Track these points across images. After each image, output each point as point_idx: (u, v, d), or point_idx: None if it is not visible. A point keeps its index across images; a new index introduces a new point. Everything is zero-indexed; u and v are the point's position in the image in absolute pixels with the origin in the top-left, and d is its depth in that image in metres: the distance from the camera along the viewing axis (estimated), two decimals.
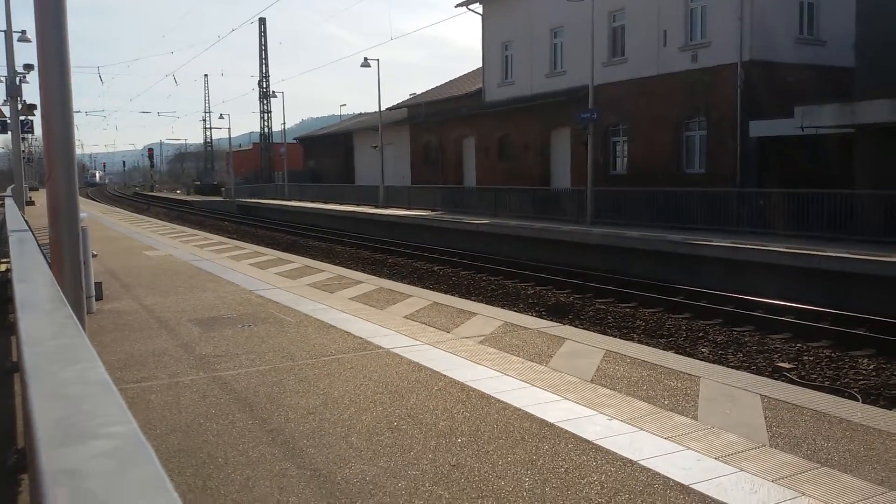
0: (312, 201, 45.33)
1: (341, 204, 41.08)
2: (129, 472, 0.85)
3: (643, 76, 27.05)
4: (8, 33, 21.80)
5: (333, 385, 5.93)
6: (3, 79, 25.27)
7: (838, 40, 23.07)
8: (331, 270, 13.37)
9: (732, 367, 8.83)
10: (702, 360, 8.81)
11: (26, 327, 1.88)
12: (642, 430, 4.75)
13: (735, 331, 11.72)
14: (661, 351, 7.81)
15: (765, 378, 6.91)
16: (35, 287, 2.74)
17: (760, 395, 5.47)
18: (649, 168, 26.78)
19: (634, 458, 4.26)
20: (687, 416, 5.02)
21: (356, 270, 15.62)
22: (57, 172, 5.56)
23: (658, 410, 5.14)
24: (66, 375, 1.30)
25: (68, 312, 2.06)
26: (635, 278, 16.54)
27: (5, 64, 23.06)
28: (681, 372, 6.16)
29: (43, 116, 5.48)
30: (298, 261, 14.99)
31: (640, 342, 10.47)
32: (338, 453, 4.45)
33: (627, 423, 4.86)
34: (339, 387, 5.88)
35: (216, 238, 21.53)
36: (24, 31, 24.96)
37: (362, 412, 5.24)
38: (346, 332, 7.92)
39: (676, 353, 9.52)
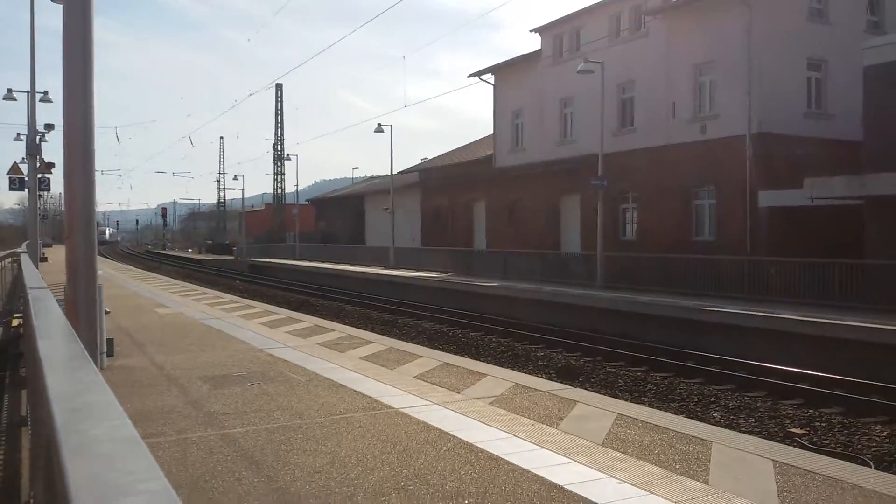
0: (323, 261, 45.56)
1: (352, 265, 41.26)
2: None
3: (652, 146, 27.36)
4: (31, 94, 22.36)
5: (341, 444, 5.89)
6: (22, 137, 25.79)
7: (846, 114, 23.34)
8: (341, 330, 13.39)
9: (744, 433, 8.72)
10: (713, 424, 8.71)
11: (53, 384, 1.90)
12: (653, 493, 4.69)
13: (747, 396, 11.61)
14: (673, 415, 7.74)
15: (777, 443, 6.83)
16: (58, 344, 2.78)
17: (773, 460, 5.40)
18: (659, 235, 26.87)
19: None
20: (698, 480, 4.96)
21: (366, 330, 15.62)
22: (77, 232, 5.66)
23: (669, 475, 5.08)
24: (96, 433, 1.32)
25: (93, 369, 2.08)
26: (646, 342, 16.44)
27: (25, 123, 23.59)
28: (692, 436, 6.10)
29: (66, 177, 5.62)
30: (309, 320, 15.02)
31: (651, 406, 10.36)
32: None
33: (638, 487, 4.81)
34: (347, 446, 5.84)
35: (227, 297, 21.63)
36: (45, 92, 25.60)
37: (369, 472, 5.20)
38: (355, 391, 7.90)
39: (688, 417, 9.41)
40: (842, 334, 14.30)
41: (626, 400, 10.42)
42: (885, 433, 9.48)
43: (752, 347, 15.38)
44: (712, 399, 11.54)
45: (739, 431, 8.84)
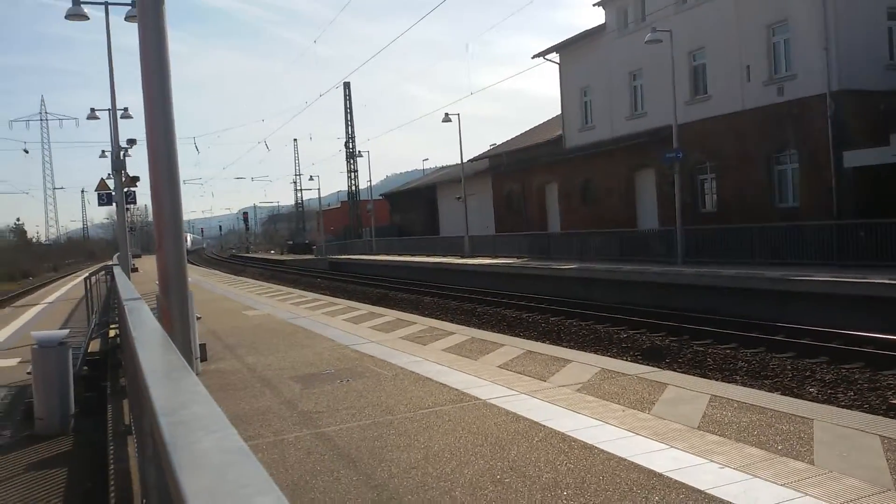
0: (399, 255, 46.02)
1: (427, 256, 41.52)
2: None
3: (728, 112, 26.55)
4: (112, 112, 23.26)
5: (433, 438, 5.95)
6: (107, 154, 26.89)
7: None
8: (422, 322, 13.50)
9: (844, 407, 8.41)
10: (811, 400, 8.44)
11: (157, 397, 1.94)
12: (756, 477, 4.57)
13: (844, 368, 11.17)
14: (769, 393, 7.52)
15: (882, 417, 6.56)
16: (157, 354, 2.87)
17: (879, 435, 5.19)
18: (740, 204, 26.09)
19: None
20: (803, 460, 4.81)
21: (446, 321, 15.70)
22: (166, 242, 5.86)
23: (771, 456, 4.94)
24: (205, 445, 1.33)
25: (195, 380, 2.12)
26: (733, 318, 16.01)
27: (108, 140, 24.58)
28: (791, 414, 5.92)
29: (152, 190, 5.81)
30: (390, 314, 15.20)
31: (743, 384, 10.10)
32: None
33: (740, 471, 4.69)
34: (439, 440, 5.89)
35: (310, 295, 22.08)
36: (126, 108, 26.60)
37: (464, 465, 5.23)
38: (441, 383, 7.96)
39: (783, 394, 9.13)
40: None
41: (717, 380, 10.18)
42: None
43: (845, 316, 14.79)
44: (807, 374, 11.16)
45: (839, 406, 8.54)
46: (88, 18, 19.46)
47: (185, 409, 1.76)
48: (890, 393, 9.70)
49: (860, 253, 18.15)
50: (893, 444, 4.98)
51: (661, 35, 23.24)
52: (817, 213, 22.36)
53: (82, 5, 19.11)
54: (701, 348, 13.59)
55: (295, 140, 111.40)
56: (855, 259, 18.08)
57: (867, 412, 7.93)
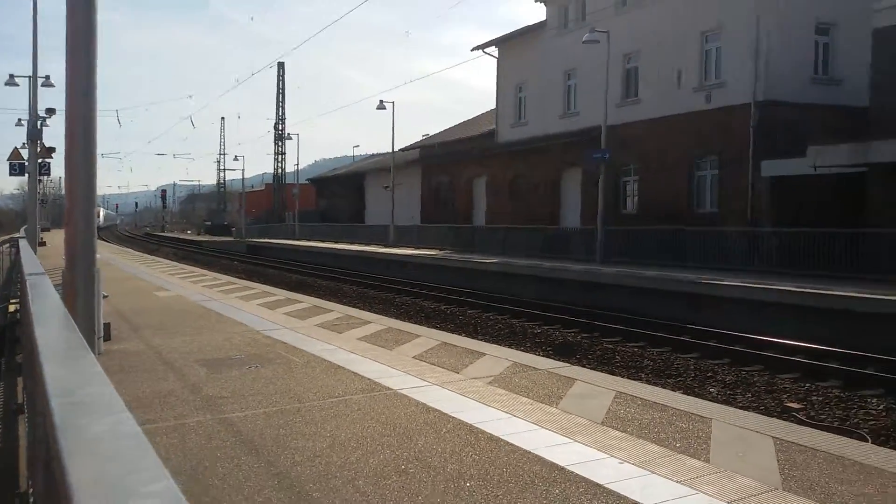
0: (322, 241, 45.53)
1: (351, 243, 41.23)
2: None
3: (656, 116, 27.18)
4: (33, 79, 22.22)
5: (340, 427, 5.87)
6: (24, 123, 25.67)
7: (853, 80, 23.13)
8: (339, 310, 13.36)
9: (741, 408, 8.71)
10: (711, 400, 8.70)
11: (51, 376, 1.85)
12: (654, 473, 4.67)
13: (744, 371, 11.60)
14: (672, 392, 7.73)
15: (776, 419, 6.81)
16: (56, 332, 2.73)
17: (773, 437, 5.38)
18: (660, 207, 26.78)
19: (647, 503, 4.18)
20: (699, 458, 4.93)
21: (364, 310, 15.59)
22: (76, 216, 5.61)
23: (670, 453, 5.06)
24: (98, 429, 1.28)
25: (93, 360, 2.03)
26: (645, 318, 16.42)
27: (26, 108, 23.44)
28: (692, 413, 6.08)
29: (66, 160, 5.55)
30: (307, 300, 14.99)
31: (648, 382, 10.35)
32: (345, 497, 4.38)
33: (639, 467, 4.78)
34: (347, 429, 5.82)
35: (225, 278, 21.59)
36: (47, 77, 25.40)
37: (370, 455, 5.17)
38: (354, 372, 7.87)
39: (685, 393, 9.40)
40: (843, 305, 14.27)
41: (624, 377, 10.41)
42: (881, 407, 9.48)
43: (751, 320, 15.37)
44: (709, 374, 11.53)
45: (737, 407, 8.83)
46: None
47: (81, 389, 1.68)
48: (785, 396, 10.11)
49: (772, 260, 18.88)
50: (785, 446, 5.16)
51: (599, 35, 23.56)
52: (734, 220, 23.15)
53: None
54: (610, 346, 13.89)
55: (223, 118, 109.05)
56: (767, 265, 18.79)
57: (763, 413, 8.23)
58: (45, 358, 2.16)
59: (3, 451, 5.72)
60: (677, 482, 4.51)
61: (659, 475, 4.64)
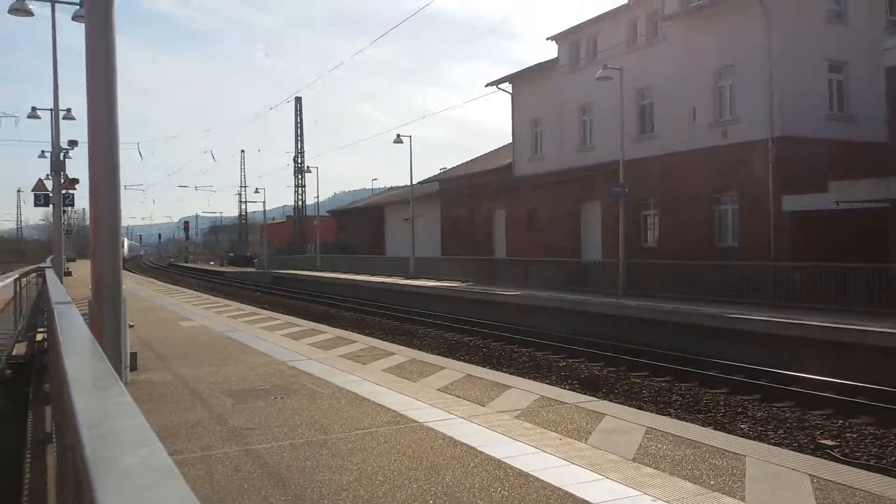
0: (344, 272, 45.65)
1: (372, 275, 41.28)
2: None
3: (673, 151, 27.19)
4: (55, 112, 22.60)
5: (367, 460, 5.82)
6: (46, 154, 26.08)
7: (869, 116, 23.10)
8: (363, 341, 13.34)
9: (773, 444, 8.55)
10: (742, 436, 8.55)
11: (81, 407, 1.84)
12: None
13: (775, 406, 11.40)
14: (703, 428, 7.60)
15: (811, 457, 6.68)
16: (85, 362, 2.73)
17: (809, 474, 5.26)
18: (681, 242, 26.64)
19: None
20: (735, 496, 4.83)
21: (388, 342, 15.55)
22: (102, 247, 5.67)
23: (705, 491, 4.96)
24: (130, 462, 1.26)
25: (122, 390, 2.02)
26: (670, 351, 16.24)
27: (49, 140, 23.83)
28: (724, 450, 5.97)
29: (91, 192, 5.62)
30: (331, 332, 14.99)
31: (677, 417, 10.20)
32: None
33: None
34: (373, 462, 5.77)
35: (249, 308, 21.67)
36: (69, 109, 25.85)
37: (397, 489, 5.12)
38: (379, 404, 7.83)
39: (716, 429, 9.25)
40: (868, 341, 14.04)
41: (652, 411, 10.27)
42: None
43: (778, 355, 15.15)
44: (739, 410, 11.35)
45: (769, 443, 8.68)
46: (33, 15, 18.90)
47: (111, 420, 1.67)
48: (818, 433, 9.91)
49: (795, 295, 18.66)
50: (823, 484, 5.04)
51: (612, 72, 23.72)
52: (756, 254, 22.96)
53: (27, 1, 18.56)
54: (637, 380, 13.73)
55: (242, 151, 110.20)
56: (790, 300, 18.57)
57: (796, 450, 8.07)
58: (75, 388, 2.15)
59: (33, 481, 5.72)
60: None
61: None
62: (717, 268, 21.66)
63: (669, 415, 10.60)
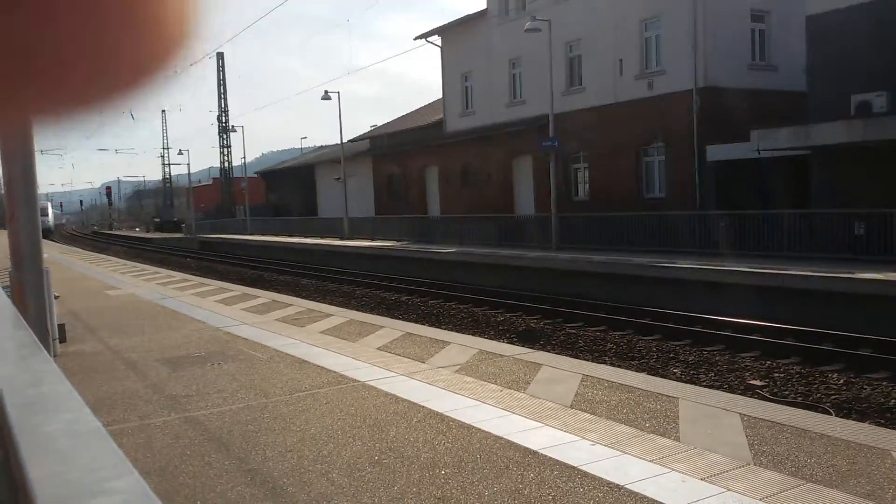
0: (276, 235, 45.00)
1: (305, 237, 40.81)
2: None
3: (601, 104, 27.48)
4: None
5: (310, 421, 5.81)
6: None
7: (790, 65, 23.74)
8: (299, 304, 13.23)
9: (705, 387, 8.88)
10: (675, 380, 8.85)
11: (3, 375, 1.78)
12: (626, 453, 4.73)
13: (705, 350, 11.81)
14: (637, 373, 7.83)
15: (741, 396, 6.96)
16: (6, 332, 2.64)
17: (739, 413, 5.49)
18: (610, 193, 27.10)
19: (621, 483, 4.23)
20: (669, 437, 5.01)
21: (325, 303, 15.46)
22: (19, 214, 5.44)
23: (640, 433, 5.12)
24: (54, 427, 1.23)
25: (46, 357, 1.97)
26: (603, 302, 16.62)
27: None
28: (658, 394, 6.17)
29: (3, 156, 5.36)
30: (265, 296, 14.81)
31: (612, 365, 10.49)
32: (319, 491, 4.35)
33: (611, 448, 4.84)
34: (316, 422, 5.77)
35: (179, 275, 21.20)
36: None
37: (342, 447, 5.14)
38: (319, 366, 7.81)
39: (649, 374, 9.54)
40: (792, 284, 14.64)
41: (588, 360, 10.51)
42: (841, 381, 9.74)
43: (706, 301, 15.67)
44: (671, 355, 11.72)
45: (700, 386, 9.01)
46: None
47: (34, 388, 1.62)
48: (747, 374, 10.33)
49: (722, 242, 19.24)
50: (753, 422, 5.27)
51: (541, 24, 23.66)
52: (682, 204, 23.54)
53: None
54: (573, 331, 14.02)
55: (163, 111, 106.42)
56: (716, 248, 19.15)
57: (727, 391, 8.40)
58: None
59: None
60: (650, 461, 4.57)
61: (631, 455, 4.70)
62: (646, 219, 22.15)
63: (604, 363, 10.90)
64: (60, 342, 9.18)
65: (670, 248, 20.07)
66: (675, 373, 10.60)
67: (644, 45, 26.26)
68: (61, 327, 9.47)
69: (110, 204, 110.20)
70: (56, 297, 10.68)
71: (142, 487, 0.90)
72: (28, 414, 1.35)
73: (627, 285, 18.19)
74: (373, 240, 33.98)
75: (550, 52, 24.09)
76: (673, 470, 4.40)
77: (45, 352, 2.07)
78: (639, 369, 10.39)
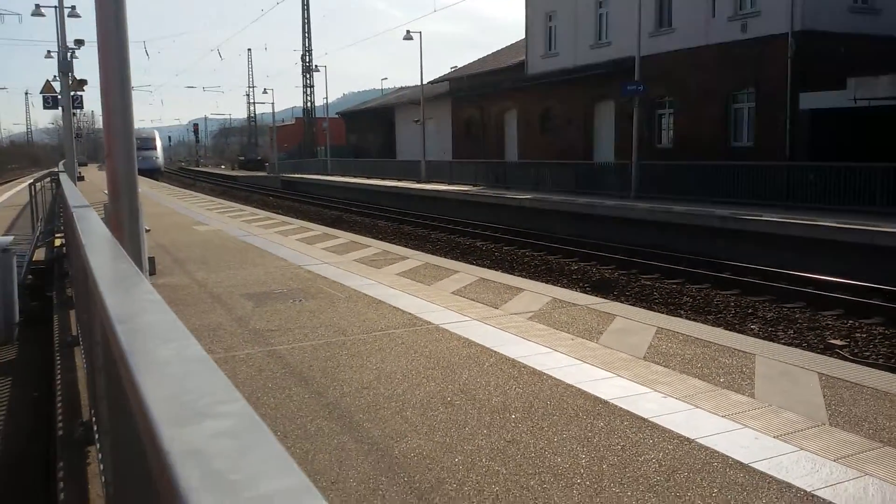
0: (355, 176, 45.56)
1: (383, 178, 41.19)
2: (251, 451, 0.84)
3: (691, 47, 26.50)
4: (59, 9, 22.13)
5: (385, 360, 5.99)
6: (52, 55, 25.71)
7: (893, 8, 22.31)
8: (376, 246, 13.46)
9: (783, 344, 8.71)
10: (752, 336, 8.70)
11: (112, 304, 1.89)
12: (698, 407, 4.72)
13: (785, 307, 11.53)
14: (713, 328, 7.73)
15: (820, 355, 6.81)
16: (110, 263, 2.77)
17: (818, 372, 5.39)
18: (696, 141, 26.32)
19: (692, 437, 4.24)
20: (744, 394, 4.97)
21: (400, 246, 15.68)
22: (116, 149, 5.66)
23: (714, 388, 5.10)
24: (164, 353, 1.28)
25: (150, 288, 2.05)
26: (681, 254, 16.33)
27: (54, 39, 23.41)
28: (734, 349, 6.10)
29: (102, 95, 5.57)
30: (344, 236, 15.11)
31: (688, 318, 10.37)
32: (394, 427, 4.51)
33: (683, 401, 4.84)
34: (392, 362, 5.94)
35: (262, 213, 21.79)
36: (73, 7, 25.31)
37: (415, 387, 5.29)
38: (394, 307, 7.98)
39: (726, 329, 9.40)
40: (882, 241, 14.05)
41: (663, 313, 10.41)
42: None
43: (791, 257, 15.21)
44: (749, 311, 11.49)
45: (779, 343, 8.83)
46: None
47: (140, 316, 1.71)
48: (828, 333, 10.07)
49: (810, 195, 18.53)
50: (831, 382, 5.17)
51: None
52: (771, 154, 22.69)
53: None
54: (648, 282, 13.87)
55: (249, 50, 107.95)
56: (804, 201, 18.47)
57: (806, 350, 8.22)
58: (103, 286, 2.18)
59: (63, 382, 5.94)
60: (722, 416, 4.56)
61: (703, 409, 4.69)
62: (732, 168, 21.46)
63: (680, 316, 10.77)
64: (150, 275, 9.63)
65: (757, 201, 19.44)
66: (752, 329, 10.42)
67: None
68: (151, 260, 9.90)
69: (197, 141, 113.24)
70: (147, 231, 11.16)
71: (249, 412, 0.95)
72: (138, 340, 1.41)
73: (709, 237, 17.78)
74: (449, 183, 34.04)
75: None
76: (746, 426, 4.38)
77: (148, 282, 2.16)
78: (715, 324, 10.25)
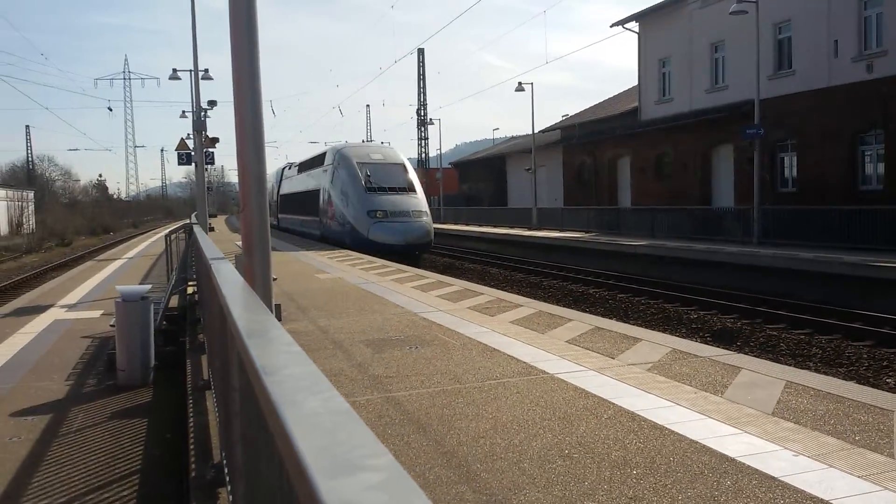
0: (467, 224, 46.07)
1: (494, 226, 41.46)
2: None
3: (812, 88, 25.60)
4: (194, 74, 23.84)
5: (501, 409, 6.00)
6: (187, 114, 27.63)
7: None
8: (489, 293, 13.54)
9: None
10: (888, 391, 8.18)
11: (259, 355, 2.00)
12: (832, 467, 4.48)
13: None
14: (845, 382, 7.32)
15: None
16: (250, 314, 2.94)
17: None
18: (820, 185, 25.23)
19: (826, 497, 4.03)
20: (882, 453, 4.69)
21: (513, 293, 15.71)
22: (250, 203, 6.03)
23: (848, 446, 4.83)
24: (312, 405, 1.34)
25: (290, 340, 2.16)
26: (808, 303, 15.57)
27: (188, 100, 25.16)
28: (870, 405, 5.76)
29: (238, 152, 5.97)
30: (458, 283, 15.29)
31: (818, 371, 9.85)
32: (511, 479, 4.51)
33: (816, 460, 4.61)
34: (507, 411, 5.94)
35: (379, 261, 22.34)
36: (206, 70, 27.17)
37: (532, 438, 5.27)
38: (509, 355, 8.00)
39: (859, 383, 8.88)
40: None
41: (790, 365, 9.95)
42: None
43: None
44: (885, 363, 10.81)
45: None
46: None
47: (287, 368, 1.79)
48: None
49: None
50: None
51: (747, 6, 22.47)
52: None
53: None
54: (774, 332, 13.29)
55: (367, 106, 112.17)
56: None
57: None
58: (247, 338, 2.26)
59: (196, 424, 6.26)
60: (859, 477, 4.31)
61: (838, 469, 4.45)
62: (861, 213, 20.41)
63: (809, 368, 10.26)
64: (277, 321, 10.04)
65: (889, 247, 18.37)
66: (888, 383, 9.78)
67: (863, 24, 24.14)
68: (278, 307, 10.32)
69: None
70: (274, 279, 11.68)
71: (398, 467, 0.99)
72: (287, 392, 1.47)
73: (837, 285, 16.90)
74: (561, 230, 33.90)
75: (758, 33, 22.79)
76: (885, 488, 4.13)
77: (288, 335, 2.27)
78: (847, 377, 9.70)
